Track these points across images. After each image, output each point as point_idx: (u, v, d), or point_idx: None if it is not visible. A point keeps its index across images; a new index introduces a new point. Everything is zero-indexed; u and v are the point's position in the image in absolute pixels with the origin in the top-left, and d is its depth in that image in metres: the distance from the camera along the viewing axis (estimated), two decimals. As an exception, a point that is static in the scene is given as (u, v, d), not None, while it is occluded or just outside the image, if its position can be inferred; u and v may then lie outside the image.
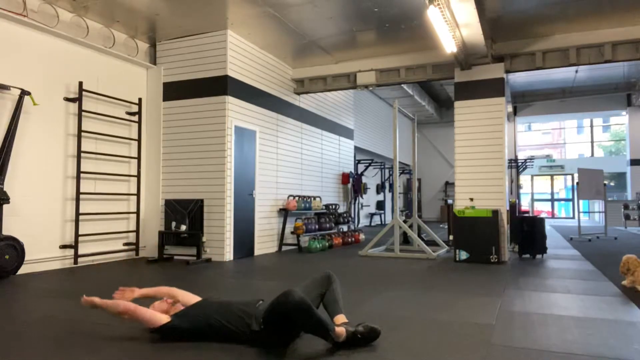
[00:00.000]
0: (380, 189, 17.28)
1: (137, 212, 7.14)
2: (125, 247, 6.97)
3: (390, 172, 17.51)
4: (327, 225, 8.96)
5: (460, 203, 7.11)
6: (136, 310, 2.81)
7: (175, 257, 7.08)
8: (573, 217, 22.05)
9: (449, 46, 6.14)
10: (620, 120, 22.43)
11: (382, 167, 16.81)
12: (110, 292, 4.41)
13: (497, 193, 6.95)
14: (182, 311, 2.87)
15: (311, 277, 3.05)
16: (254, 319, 2.71)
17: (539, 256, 7.21)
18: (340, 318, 2.89)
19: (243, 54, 7.37)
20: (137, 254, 7.10)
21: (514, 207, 8.78)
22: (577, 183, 10.48)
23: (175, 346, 2.72)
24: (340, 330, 2.63)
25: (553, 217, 22.72)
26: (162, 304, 2.99)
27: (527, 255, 7.27)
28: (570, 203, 22.76)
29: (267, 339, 2.68)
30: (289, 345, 2.74)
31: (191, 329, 2.79)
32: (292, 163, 8.89)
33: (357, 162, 14.07)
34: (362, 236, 10.13)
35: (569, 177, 21.93)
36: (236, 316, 2.76)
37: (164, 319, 2.80)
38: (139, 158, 7.22)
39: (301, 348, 2.68)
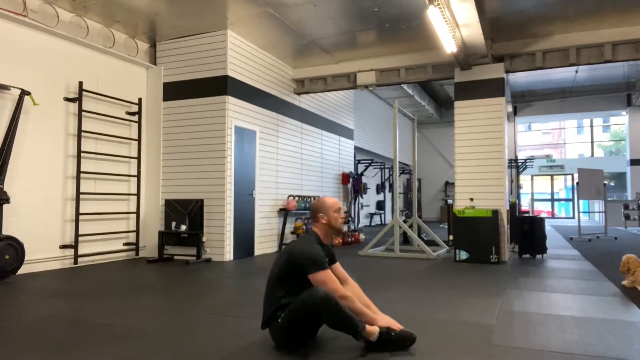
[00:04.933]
0: (380, 189, 17.27)
1: (137, 212, 7.14)
2: (125, 247, 6.97)
3: (390, 172, 17.50)
4: (327, 225, 8.94)
5: (460, 203, 7.11)
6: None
7: (175, 257, 7.08)
8: (573, 217, 22.04)
9: (449, 46, 6.14)
10: (620, 120, 22.42)
11: (382, 167, 16.81)
12: (110, 292, 4.42)
13: (497, 193, 6.95)
14: (307, 284, 2.66)
15: None
16: (281, 310, 2.62)
17: (539, 256, 7.21)
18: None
19: (243, 54, 7.37)
20: (137, 254, 7.10)
21: (514, 207, 8.78)
22: (577, 183, 10.47)
23: (174, 348, 2.72)
24: (372, 329, 2.55)
25: (553, 217, 22.71)
26: None
27: (527, 255, 7.27)
28: (570, 203, 22.76)
29: (276, 333, 2.62)
30: (302, 344, 2.68)
31: (285, 289, 2.68)
32: (292, 163, 8.89)
33: (357, 162, 14.07)
34: (362, 236, 10.12)
35: (569, 177, 21.93)
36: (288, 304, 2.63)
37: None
38: (139, 158, 7.22)
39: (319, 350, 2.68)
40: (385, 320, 2.69)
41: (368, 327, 2.54)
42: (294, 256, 2.66)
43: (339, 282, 2.70)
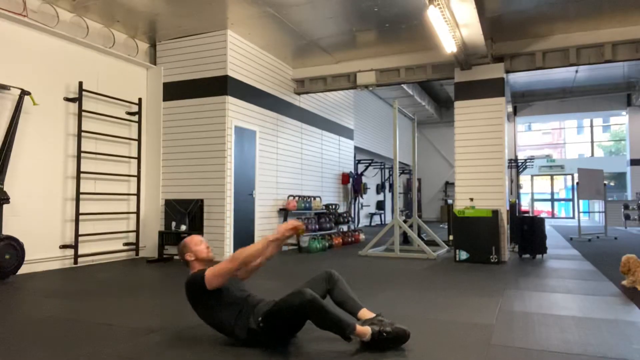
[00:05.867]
0: (380, 189, 17.27)
1: (137, 212, 7.14)
2: (125, 247, 6.97)
3: (390, 172, 17.50)
4: (327, 225, 8.95)
5: (460, 203, 7.11)
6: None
7: (175, 257, 7.08)
8: (573, 217, 22.04)
9: (449, 46, 6.14)
10: (620, 120, 22.42)
11: (382, 167, 16.81)
12: (110, 292, 4.42)
13: (497, 193, 6.95)
14: (218, 291, 2.75)
15: (311, 277, 2.97)
16: (252, 317, 2.67)
17: (539, 256, 7.21)
18: (365, 313, 2.80)
19: (243, 54, 7.37)
20: (137, 254, 7.10)
21: (514, 207, 8.78)
22: (577, 183, 10.48)
23: (174, 348, 2.72)
24: (364, 330, 2.55)
25: (553, 217, 22.71)
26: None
27: (527, 255, 7.27)
28: (570, 203, 22.76)
29: (262, 338, 2.64)
30: (284, 344, 2.70)
31: (205, 314, 2.76)
32: (292, 163, 8.89)
33: (357, 162, 14.07)
34: (362, 236, 10.12)
35: (569, 177, 21.93)
36: (237, 311, 2.71)
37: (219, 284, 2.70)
38: (139, 158, 7.22)
39: (306, 348, 2.68)
40: (280, 229, 2.76)
41: (359, 328, 2.53)
42: (188, 292, 2.76)
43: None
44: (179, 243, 2.99)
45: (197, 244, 2.92)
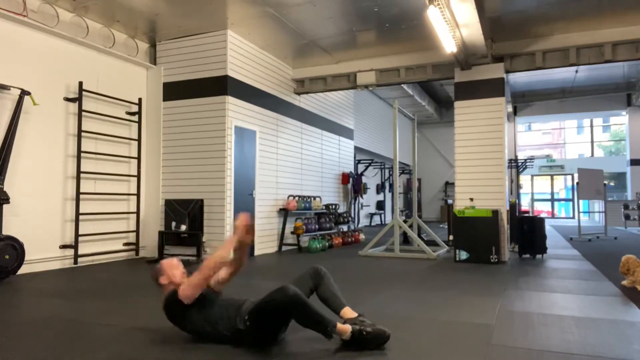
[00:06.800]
0: (380, 189, 17.27)
1: (137, 212, 7.14)
2: (125, 247, 6.97)
3: (390, 172, 17.50)
4: (327, 225, 8.96)
5: (460, 203, 7.11)
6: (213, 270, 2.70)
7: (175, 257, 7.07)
8: (573, 217, 22.04)
9: (449, 46, 6.14)
10: (620, 120, 22.43)
11: (382, 167, 16.81)
12: (110, 292, 4.42)
13: (497, 193, 6.95)
14: (197, 302, 2.73)
15: (299, 274, 2.96)
16: (239, 318, 2.65)
17: (539, 256, 7.21)
18: (347, 312, 2.81)
19: (243, 54, 7.37)
20: (137, 254, 7.10)
21: (514, 207, 8.78)
22: (577, 183, 10.48)
23: (173, 347, 2.72)
24: (344, 328, 2.55)
25: (553, 217, 22.71)
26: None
27: (527, 255, 7.27)
28: (570, 203, 22.76)
29: (250, 337, 2.63)
30: (274, 342, 2.70)
31: (192, 328, 2.76)
32: (292, 163, 8.89)
33: (357, 162, 14.07)
34: (362, 236, 10.12)
35: (569, 177, 21.94)
36: (221, 317, 2.70)
37: (188, 300, 2.69)
38: (139, 158, 7.22)
39: (296, 348, 2.68)
40: (227, 244, 2.73)
41: (339, 326, 2.54)
42: (167, 312, 2.76)
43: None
44: (155, 266, 2.93)
45: (173, 267, 2.87)
